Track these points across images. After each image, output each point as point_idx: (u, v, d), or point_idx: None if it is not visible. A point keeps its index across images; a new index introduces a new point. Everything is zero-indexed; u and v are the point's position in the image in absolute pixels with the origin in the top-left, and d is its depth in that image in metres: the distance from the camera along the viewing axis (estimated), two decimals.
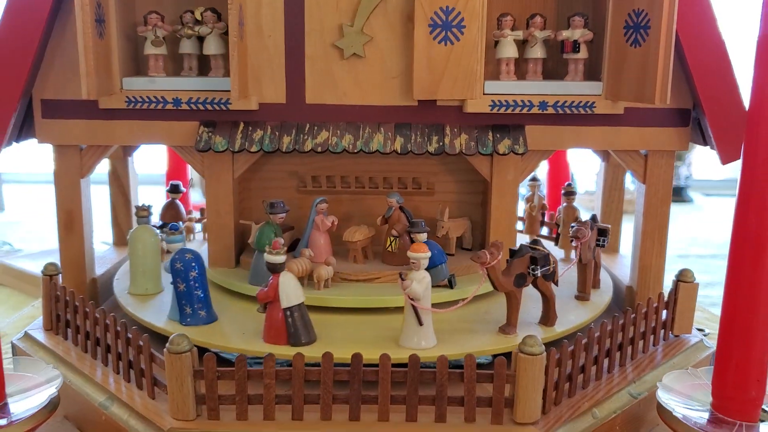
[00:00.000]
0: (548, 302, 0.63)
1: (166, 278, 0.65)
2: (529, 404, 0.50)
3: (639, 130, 0.66)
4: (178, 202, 0.83)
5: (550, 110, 0.65)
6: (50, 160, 0.67)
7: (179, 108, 0.65)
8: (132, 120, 0.66)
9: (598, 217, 0.83)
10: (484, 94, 0.65)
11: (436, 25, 0.62)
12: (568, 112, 0.65)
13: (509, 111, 0.65)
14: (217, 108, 0.65)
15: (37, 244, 3.34)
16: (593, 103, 0.64)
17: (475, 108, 0.65)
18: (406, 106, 0.65)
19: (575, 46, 0.66)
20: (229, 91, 0.64)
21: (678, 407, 0.53)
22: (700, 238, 3.40)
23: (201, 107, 0.65)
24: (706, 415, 0.54)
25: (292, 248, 0.69)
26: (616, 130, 0.66)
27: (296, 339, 0.56)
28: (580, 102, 0.64)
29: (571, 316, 0.64)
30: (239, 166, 0.68)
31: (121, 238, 0.89)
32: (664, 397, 0.55)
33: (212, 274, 0.67)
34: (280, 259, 0.56)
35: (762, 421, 0.54)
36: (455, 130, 0.65)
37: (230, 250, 0.69)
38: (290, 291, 0.56)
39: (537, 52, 0.67)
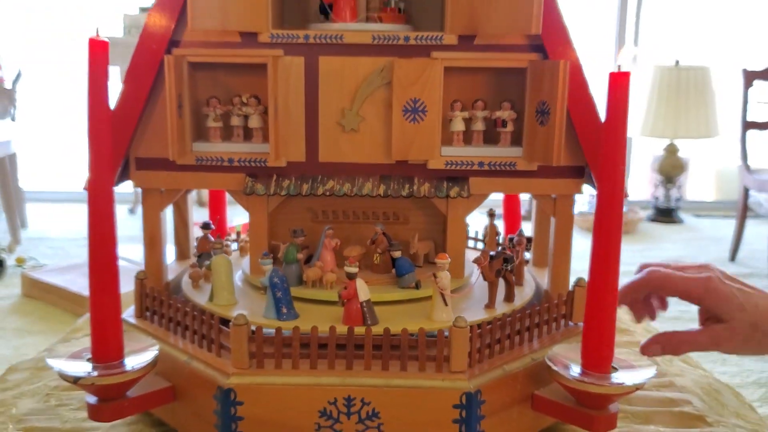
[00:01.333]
0: (510, 287, 0.93)
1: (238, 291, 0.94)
2: (459, 360, 0.79)
3: (549, 180, 0.95)
4: (209, 235, 1.10)
5: (486, 167, 0.94)
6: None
7: (232, 165, 0.94)
8: (199, 172, 0.95)
9: (529, 235, 1.13)
10: (441, 156, 0.94)
11: (407, 110, 0.92)
12: (499, 168, 0.94)
13: (458, 168, 0.94)
14: (258, 165, 0.94)
15: (59, 259, 3.64)
16: (515, 162, 0.94)
17: (434, 165, 0.94)
18: (387, 164, 0.95)
19: (504, 123, 0.95)
20: (267, 153, 0.93)
21: (554, 366, 0.82)
22: (688, 258, 3.68)
23: (247, 164, 0.94)
24: (578, 371, 0.82)
25: (308, 261, 0.99)
26: (532, 181, 0.95)
27: (371, 321, 0.85)
28: (507, 162, 0.94)
29: (502, 307, 0.93)
30: (272, 205, 0.97)
31: (181, 254, 1.18)
32: (553, 359, 0.83)
33: (254, 279, 0.97)
34: (355, 270, 0.85)
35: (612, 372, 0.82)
36: (421, 180, 0.95)
37: None
38: (363, 290, 0.85)
39: (478, 126, 0.96)
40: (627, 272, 2.98)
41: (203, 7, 0.85)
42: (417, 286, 0.94)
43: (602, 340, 0.80)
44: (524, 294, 0.99)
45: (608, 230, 0.78)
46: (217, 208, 1.24)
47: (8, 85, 3.54)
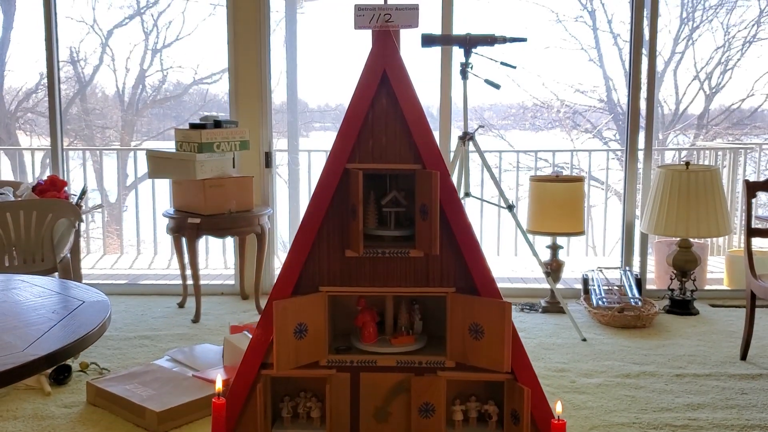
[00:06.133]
0: None
1: None
2: None
3: None
4: None
5: None
6: None
7: None
8: None
9: None
10: None
11: (421, 410, 1.29)
12: None
13: None
14: None
15: (118, 361, 4.00)
16: None
17: None
18: None
19: (489, 415, 1.31)
20: None
21: None
22: (699, 355, 3.97)
23: None
24: None
25: None
26: None
27: None
28: None
29: None
30: None
31: None
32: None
33: None
34: None
35: None
36: None
37: None
38: None
39: (472, 414, 1.33)
40: (643, 372, 3.46)
41: (284, 359, 1.23)
42: None
43: None
44: None
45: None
46: None
47: (74, 200, 3.94)
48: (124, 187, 7.38)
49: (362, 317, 1.23)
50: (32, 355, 1.76)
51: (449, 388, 1.25)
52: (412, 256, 1.18)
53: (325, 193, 1.14)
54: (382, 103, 1.13)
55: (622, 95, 8.23)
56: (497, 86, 3.62)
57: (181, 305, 4.47)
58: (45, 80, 4.58)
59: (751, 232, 3.68)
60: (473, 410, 1.25)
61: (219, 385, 1.08)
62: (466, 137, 3.72)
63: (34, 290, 2.37)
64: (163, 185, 4.93)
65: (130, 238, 6.50)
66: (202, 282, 4.35)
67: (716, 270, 5.39)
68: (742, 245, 5.27)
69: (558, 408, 1.07)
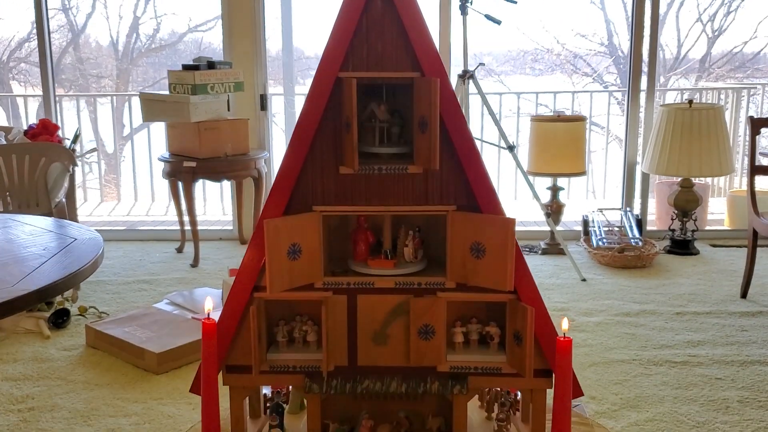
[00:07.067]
0: None
1: None
2: None
3: (527, 380, 1.28)
4: None
5: (480, 371, 1.28)
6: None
7: (295, 369, 1.30)
8: (271, 374, 1.31)
9: None
10: (446, 361, 1.28)
11: (421, 332, 1.26)
12: (489, 372, 1.28)
13: (460, 371, 1.28)
14: (313, 369, 1.30)
15: (117, 305, 3.99)
16: (501, 368, 1.28)
17: (442, 369, 1.28)
18: (408, 366, 1.29)
19: (491, 337, 1.29)
20: (320, 359, 1.28)
21: None
22: (700, 294, 3.96)
23: (305, 369, 1.30)
24: None
25: None
26: (515, 380, 1.29)
27: None
28: (495, 367, 1.28)
29: None
30: (324, 395, 1.33)
31: (254, 413, 1.54)
32: None
33: None
34: None
35: None
36: (433, 379, 1.29)
37: None
38: None
39: (474, 336, 1.30)
40: (643, 311, 3.45)
41: (277, 280, 1.20)
42: None
43: None
44: None
45: (561, 423, 1.12)
46: None
47: (67, 144, 3.89)
48: (121, 137, 7.31)
49: (356, 235, 1.19)
50: (23, 290, 1.74)
51: (450, 310, 1.22)
52: (411, 172, 1.13)
53: (317, 105, 1.09)
54: (377, 6, 1.07)
55: (623, 39, 8.10)
56: (498, 22, 3.53)
57: (179, 250, 4.44)
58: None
59: (755, 170, 3.63)
60: (474, 332, 1.22)
61: (209, 306, 1.04)
62: (466, 76, 3.64)
63: (26, 228, 2.33)
64: (160, 133, 4.86)
65: (127, 188, 6.45)
66: (200, 228, 4.31)
67: (717, 212, 5.35)
68: (744, 186, 5.24)
69: (564, 325, 1.04)
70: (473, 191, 1.16)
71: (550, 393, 1.26)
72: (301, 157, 1.14)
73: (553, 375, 1.25)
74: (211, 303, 1.10)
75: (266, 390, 1.51)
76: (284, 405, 1.38)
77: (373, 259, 1.25)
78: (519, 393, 1.48)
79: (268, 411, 1.42)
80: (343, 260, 1.32)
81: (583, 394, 1.25)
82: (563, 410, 1.12)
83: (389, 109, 1.19)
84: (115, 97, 7.23)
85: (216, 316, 1.18)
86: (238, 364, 1.30)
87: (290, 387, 1.54)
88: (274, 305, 1.31)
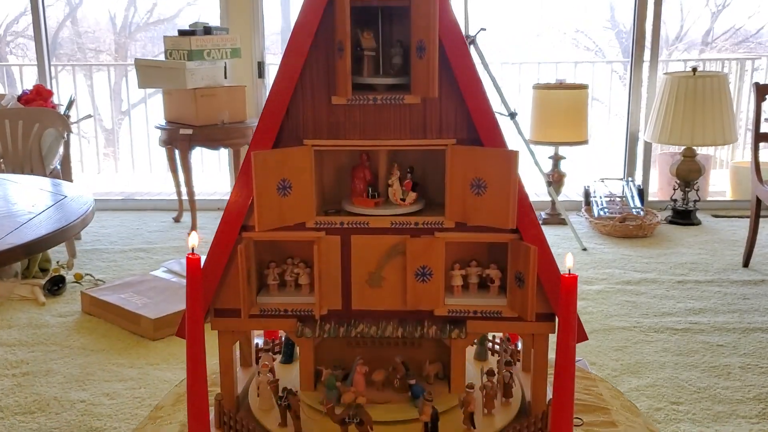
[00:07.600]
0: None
1: None
2: None
3: (528, 324, 1.23)
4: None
5: (479, 314, 1.24)
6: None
7: (287, 313, 1.25)
8: (262, 319, 1.27)
9: None
10: (444, 305, 1.24)
11: (418, 273, 1.21)
12: (489, 316, 1.23)
13: (458, 315, 1.24)
14: (306, 313, 1.25)
15: (113, 273, 3.99)
16: (501, 311, 1.23)
17: (439, 312, 1.24)
18: (404, 311, 1.25)
19: (491, 280, 1.24)
20: (313, 303, 1.24)
21: None
22: (701, 263, 3.93)
23: (297, 313, 1.25)
24: None
25: (345, 378, 1.30)
26: (516, 324, 1.24)
27: None
28: (495, 310, 1.23)
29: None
30: (317, 339, 1.29)
31: (245, 362, 1.50)
32: None
33: (304, 396, 1.28)
34: None
35: None
36: (430, 323, 1.25)
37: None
38: None
39: (473, 279, 1.25)
40: (644, 279, 3.43)
41: (266, 217, 1.15)
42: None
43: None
44: (511, 410, 1.28)
45: (564, 368, 1.07)
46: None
47: (62, 111, 3.85)
48: (119, 112, 7.24)
49: (355, 172, 1.14)
50: (9, 244, 1.70)
51: (448, 252, 1.17)
52: (408, 102, 1.08)
53: (307, 27, 1.04)
54: None
55: (625, 14, 7.99)
56: None
57: (176, 220, 4.42)
58: None
59: (759, 137, 3.58)
60: (474, 275, 1.18)
61: (194, 241, 0.99)
62: (468, 41, 3.56)
63: (16, 186, 2.28)
64: (157, 105, 4.78)
65: (125, 160, 6.39)
66: (197, 198, 4.27)
67: (719, 183, 5.31)
68: (747, 158, 5.18)
69: (569, 262, 0.99)
70: (474, 123, 1.10)
71: (552, 344, 1.21)
72: (292, 85, 1.09)
73: (556, 318, 1.21)
74: (196, 238, 1.05)
75: (258, 340, 1.47)
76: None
77: (359, 197, 1.21)
78: (519, 343, 1.44)
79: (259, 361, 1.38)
80: (338, 201, 1.27)
81: (587, 338, 1.20)
82: (567, 353, 1.07)
83: (394, 40, 1.14)
84: (113, 70, 7.14)
85: (203, 254, 1.14)
86: (226, 307, 1.26)
87: (282, 337, 1.50)
88: (264, 247, 1.26)
